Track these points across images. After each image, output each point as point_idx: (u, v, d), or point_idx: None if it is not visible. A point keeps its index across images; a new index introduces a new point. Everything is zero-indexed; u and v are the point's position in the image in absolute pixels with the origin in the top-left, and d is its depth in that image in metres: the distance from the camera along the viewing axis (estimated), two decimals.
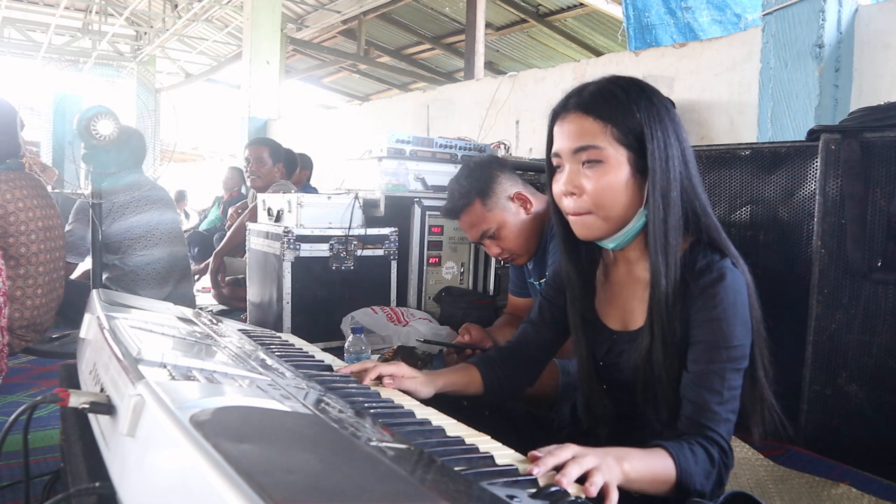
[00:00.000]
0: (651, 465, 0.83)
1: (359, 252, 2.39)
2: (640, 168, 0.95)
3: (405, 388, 1.09)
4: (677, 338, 0.96)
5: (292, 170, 3.81)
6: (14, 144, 2.17)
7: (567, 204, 0.98)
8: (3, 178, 2.07)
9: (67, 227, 2.61)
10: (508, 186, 1.78)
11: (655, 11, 3.63)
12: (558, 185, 0.99)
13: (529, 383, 1.24)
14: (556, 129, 1.00)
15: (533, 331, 1.22)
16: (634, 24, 3.68)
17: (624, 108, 0.94)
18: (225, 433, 0.50)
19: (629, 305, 1.06)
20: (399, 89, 11.04)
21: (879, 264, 1.41)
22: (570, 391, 1.53)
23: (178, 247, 2.81)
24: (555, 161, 1.00)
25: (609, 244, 1.01)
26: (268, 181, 3.33)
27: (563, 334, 1.20)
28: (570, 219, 1.00)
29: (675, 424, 0.96)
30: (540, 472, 0.72)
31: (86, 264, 2.59)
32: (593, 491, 0.71)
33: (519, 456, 0.80)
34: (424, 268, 2.59)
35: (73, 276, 2.74)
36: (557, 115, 1.00)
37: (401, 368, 1.11)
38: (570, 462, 0.73)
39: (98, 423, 0.71)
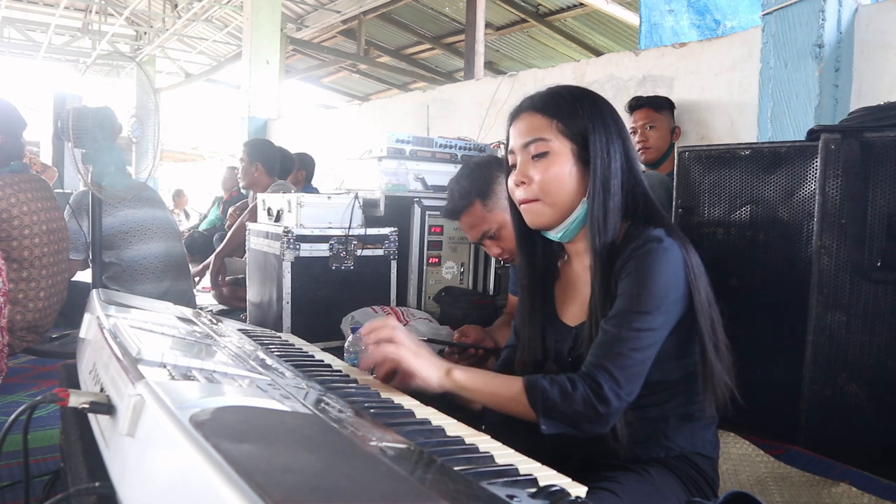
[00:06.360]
0: (487, 377, 0.98)
1: (359, 252, 2.39)
2: (584, 160, 1.04)
3: (413, 387, 1.07)
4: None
5: (288, 170, 3.85)
6: (17, 146, 2.17)
7: (518, 194, 1.07)
8: (8, 180, 2.07)
9: None
10: None
11: (658, 11, 3.64)
12: (512, 177, 1.09)
13: None
14: (511, 130, 1.10)
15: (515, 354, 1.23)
16: (646, 23, 3.69)
17: (569, 106, 1.05)
18: (225, 433, 0.50)
19: (584, 297, 1.10)
20: (399, 89, 11.04)
21: (879, 264, 1.41)
22: None
23: (173, 242, 2.81)
24: (510, 158, 1.10)
25: (556, 234, 1.09)
26: (247, 180, 3.48)
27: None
28: (522, 208, 1.09)
29: (639, 414, 0.99)
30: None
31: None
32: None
33: (519, 456, 0.80)
34: (424, 268, 2.59)
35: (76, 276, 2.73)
36: (513, 118, 1.10)
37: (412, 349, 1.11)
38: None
39: (98, 423, 0.71)
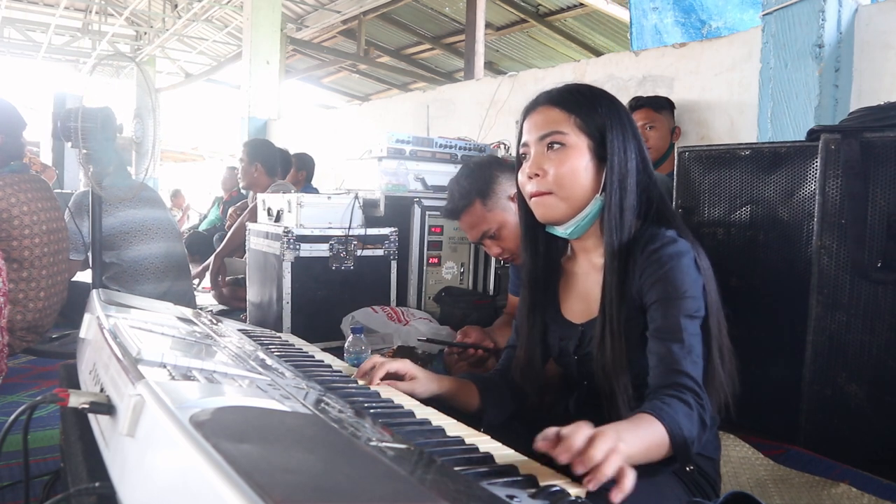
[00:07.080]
0: (642, 435, 0.82)
1: (359, 252, 2.39)
2: (600, 156, 1.03)
3: (401, 390, 1.09)
4: (631, 313, 0.99)
5: (286, 170, 3.87)
6: (17, 146, 2.17)
7: (530, 187, 1.06)
8: (8, 180, 2.06)
9: None
10: (508, 186, 1.78)
11: (641, 10, 3.63)
12: (524, 171, 1.07)
13: (531, 400, 1.22)
14: (525, 123, 1.09)
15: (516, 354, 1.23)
16: (636, 25, 3.68)
17: (588, 102, 1.04)
18: (225, 433, 0.50)
19: (591, 295, 1.10)
20: (399, 89, 11.04)
21: (879, 265, 1.41)
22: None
23: (173, 242, 2.82)
24: (522, 151, 1.09)
25: (566, 230, 1.07)
26: (247, 180, 3.50)
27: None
28: (532, 201, 1.07)
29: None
30: (566, 459, 0.70)
31: None
32: (610, 473, 0.70)
33: (519, 456, 0.80)
34: (424, 268, 2.58)
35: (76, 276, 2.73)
36: (528, 111, 1.09)
37: (405, 365, 1.11)
38: (598, 456, 0.70)
39: (98, 423, 0.71)
